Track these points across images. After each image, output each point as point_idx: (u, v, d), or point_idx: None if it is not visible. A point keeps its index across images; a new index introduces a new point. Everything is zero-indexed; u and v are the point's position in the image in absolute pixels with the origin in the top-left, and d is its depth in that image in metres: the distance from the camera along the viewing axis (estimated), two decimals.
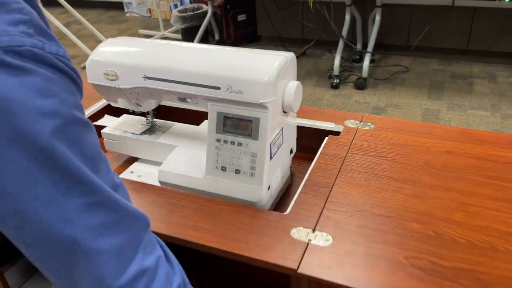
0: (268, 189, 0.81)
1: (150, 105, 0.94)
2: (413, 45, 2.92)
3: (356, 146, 0.89)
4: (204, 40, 3.57)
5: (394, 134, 0.92)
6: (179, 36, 3.83)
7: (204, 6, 3.65)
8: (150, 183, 0.85)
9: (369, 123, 0.97)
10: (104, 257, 0.46)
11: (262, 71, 0.75)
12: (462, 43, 2.99)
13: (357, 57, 3.18)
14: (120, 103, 0.94)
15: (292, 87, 0.79)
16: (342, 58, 2.93)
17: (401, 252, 0.64)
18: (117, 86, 0.86)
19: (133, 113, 1.05)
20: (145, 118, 1.02)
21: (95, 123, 1.03)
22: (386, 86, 2.84)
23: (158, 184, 0.88)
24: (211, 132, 0.82)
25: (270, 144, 0.79)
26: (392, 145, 0.89)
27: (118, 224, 0.48)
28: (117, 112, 1.08)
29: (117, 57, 0.85)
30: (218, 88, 0.78)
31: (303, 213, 0.73)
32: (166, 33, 3.96)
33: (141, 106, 0.92)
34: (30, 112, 0.40)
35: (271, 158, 0.80)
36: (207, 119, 1.02)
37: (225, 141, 0.81)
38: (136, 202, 0.78)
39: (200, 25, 3.53)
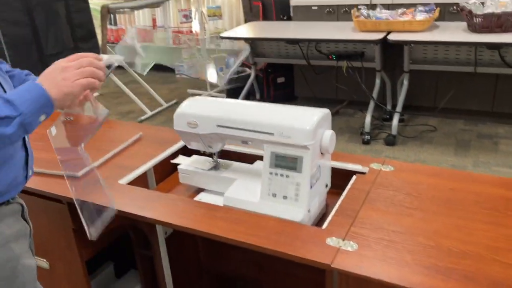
0: (308, 211, 1.05)
1: (217, 147, 1.22)
2: (440, 106, 3.16)
3: (378, 183, 1.13)
4: (246, 99, 3.95)
5: (409, 174, 1.16)
6: (223, 95, 4.24)
7: (247, 69, 4.08)
8: None
9: (389, 166, 1.21)
10: None
11: (305, 121, 1.03)
12: (487, 105, 3.20)
13: (387, 116, 3.44)
14: (195, 146, 1.23)
15: (328, 134, 1.06)
16: (373, 117, 3.20)
17: (409, 256, 0.86)
18: (196, 132, 1.16)
19: (203, 154, 1.33)
20: (211, 158, 1.30)
21: (172, 161, 1.33)
22: (414, 143, 3.06)
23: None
24: (265, 166, 1.09)
25: (310, 176, 1.04)
26: (408, 183, 1.12)
27: None
28: (186, 152, 1.38)
29: (197, 110, 1.16)
30: (272, 134, 1.06)
31: (335, 228, 0.96)
32: (212, 92, 4.39)
33: (211, 147, 1.21)
34: None
35: (311, 187, 1.05)
36: (258, 159, 1.30)
37: (276, 174, 1.07)
38: (208, 217, 1.04)
39: (243, 86, 3.93)
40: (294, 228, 0.98)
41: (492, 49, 2.73)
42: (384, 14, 2.99)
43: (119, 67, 3.89)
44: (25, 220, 0.97)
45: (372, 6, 3.20)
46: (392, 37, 2.80)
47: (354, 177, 1.18)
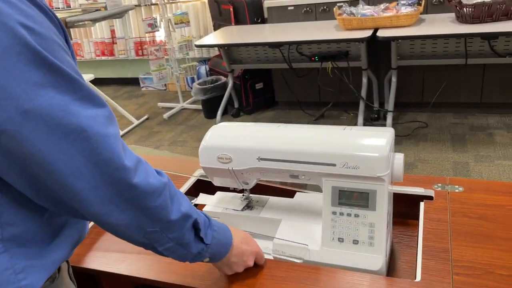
0: (385, 256, 0.85)
1: (253, 182, 1.00)
2: (431, 102, 3.07)
3: (454, 210, 0.95)
4: (224, 110, 3.71)
5: (484, 195, 0.98)
6: (197, 106, 3.99)
7: (222, 78, 3.84)
8: None
9: (456, 186, 1.03)
10: (111, 140, 0.58)
11: (376, 147, 0.83)
12: (475, 97, 3.14)
13: (375, 115, 3.31)
14: (225, 183, 1.00)
15: (400, 159, 0.86)
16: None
17: None
18: (230, 168, 0.93)
19: (233, 190, 1.10)
20: (241, 194, 1.07)
21: (194, 201, 1.09)
22: (409, 142, 2.95)
23: (268, 256, 0.91)
24: (326, 205, 0.87)
25: (387, 214, 0.84)
26: (488, 206, 0.95)
27: (110, 118, 0.60)
28: (202, 187, 1.14)
29: (230, 141, 0.93)
30: (334, 165, 0.85)
31: (435, 279, 0.77)
32: (185, 104, 4.11)
33: (248, 184, 0.98)
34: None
35: (387, 227, 0.85)
36: (298, 191, 1.08)
37: (341, 213, 0.86)
38: (259, 277, 0.82)
39: (219, 96, 3.70)
40: (380, 285, 0.78)
41: (489, 40, 2.65)
42: (367, 10, 2.85)
43: None
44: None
45: (353, 3, 3.06)
46: (381, 33, 2.66)
47: (422, 204, 0.99)
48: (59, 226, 0.68)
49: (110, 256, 0.93)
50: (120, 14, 3.42)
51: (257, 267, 0.85)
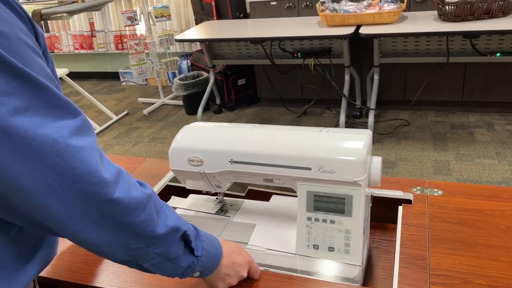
0: (361, 264, 0.82)
1: (226, 186, 0.96)
2: (413, 100, 3.07)
3: (433, 215, 0.92)
4: (206, 106, 3.65)
5: (464, 199, 0.96)
6: (179, 102, 3.92)
7: (203, 73, 3.78)
8: None
9: (435, 190, 1.00)
10: (86, 152, 0.52)
11: (352, 150, 0.79)
12: (456, 95, 3.15)
13: (358, 113, 3.30)
14: (197, 186, 0.96)
15: (377, 162, 0.83)
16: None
17: None
18: (202, 171, 0.88)
19: (206, 193, 1.05)
20: (215, 197, 1.03)
21: None
22: (391, 140, 2.94)
23: None
24: (301, 210, 0.84)
25: (364, 220, 0.81)
26: (467, 211, 0.92)
27: (85, 128, 0.54)
28: (174, 190, 1.09)
29: (202, 143, 0.88)
30: (309, 169, 0.81)
31: None
32: (166, 100, 4.04)
33: (220, 187, 0.94)
34: None
35: (363, 233, 0.82)
36: (274, 194, 1.04)
37: (317, 219, 0.83)
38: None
39: (201, 91, 3.63)
40: None
41: (470, 38, 2.65)
42: (350, 7, 2.82)
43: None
44: None
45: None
46: (364, 31, 2.64)
47: (400, 208, 0.96)
48: (29, 247, 0.62)
49: (72, 264, 0.88)
50: (98, 6, 3.32)
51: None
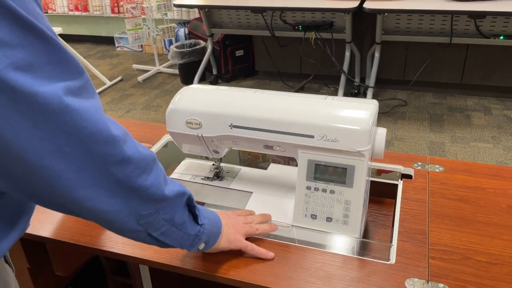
0: (360, 236, 0.80)
1: (224, 151, 0.93)
2: (412, 80, 3.03)
3: (434, 191, 0.90)
4: (202, 75, 3.59)
5: (465, 176, 0.94)
6: (174, 70, 3.84)
7: (201, 42, 3.69)
8: None
9: (437, 166, 0.98)
10: (94, 110, 0.49)
11: (358, 120, 0.76)
12: (456, 77, 3.12)
13: (356, 91, 3.26)
14: (193, 150, 0.93)
15: (382, 134, 0.80)
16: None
17: None
18: (199, 135, 0.85)
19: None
20: (212, 163, 1.00)
21: None
22: (388, 119, 2.92)
23: None
24: (300, 179, 0.81)
25: (364, 191, 0.79)
26: (468, 188, 0.90)
27: (90, 86, 0.51)
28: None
29: (201, 105, 0.84)
30: (312, 137, 0.78)
31: (410, 262, 0.72)
32: (161, 68, 3.96)
33: (218, 152, 0.91)
34: None
35: (363, 205, 0.80)
36: (273, 162, 1.02)
37: (316, 189, 0.81)
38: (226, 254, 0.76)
39: (197, 61, 3.56)
40: (354, 266, 0.73)
41: (475, 19, 2.60)
42: None
43: None
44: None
45: None
46: (368, 5, 2.57)
47: (400, 182, 0.94)
48: (11, 215, 0.59)
49: (60, 222, 0.86)
50: None
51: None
